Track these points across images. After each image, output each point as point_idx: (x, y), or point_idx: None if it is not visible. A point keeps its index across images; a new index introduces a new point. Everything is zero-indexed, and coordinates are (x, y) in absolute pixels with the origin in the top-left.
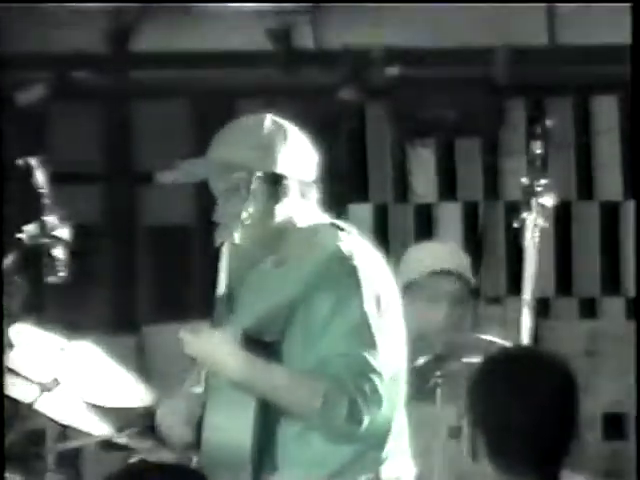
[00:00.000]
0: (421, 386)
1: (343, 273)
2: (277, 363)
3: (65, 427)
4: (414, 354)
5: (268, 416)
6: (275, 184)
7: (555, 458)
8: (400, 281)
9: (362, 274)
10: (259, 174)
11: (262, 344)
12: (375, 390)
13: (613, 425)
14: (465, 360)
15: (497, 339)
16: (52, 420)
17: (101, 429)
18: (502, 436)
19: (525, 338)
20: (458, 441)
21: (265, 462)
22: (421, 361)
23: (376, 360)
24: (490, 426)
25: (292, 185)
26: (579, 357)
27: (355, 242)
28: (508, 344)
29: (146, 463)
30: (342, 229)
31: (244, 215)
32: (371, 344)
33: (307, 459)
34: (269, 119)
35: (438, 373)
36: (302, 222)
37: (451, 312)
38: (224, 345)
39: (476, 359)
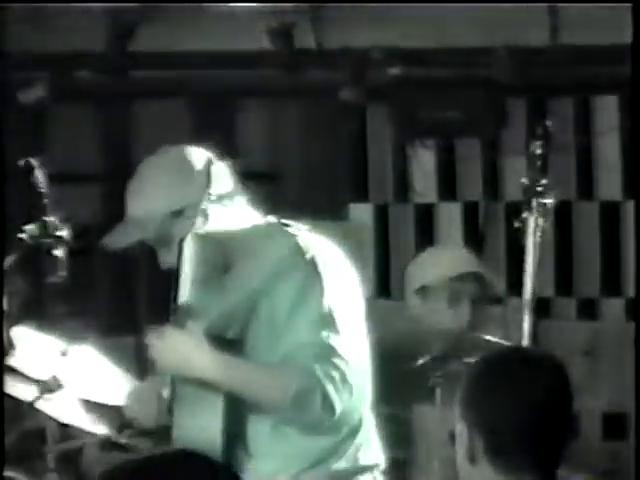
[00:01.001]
0: (421, 386)
1: (302, 265)
2: (243, 359)
3: (65, 427)
4: (409, 352)
5: (238, 412)
6: (196, 213)
7: (553, 457)
8: (412, 285)
9: (321, 265)
10: (176, 212)
11: (223, 342)
12: (344, 376)
13: (613, 425)
14: (465, 360)
15: (497, 339)
16: (52, 420)
17: (101, 429)
18: (500, 437)
19: (525, 338)
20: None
21: (238, 458)
22: (421, 361)
23: (342, 347)
24: (487, 427)
25: (210, 206)
26: (579, 357)
27: (308, 236)
28: (508, 344)
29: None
30: (291, 226)
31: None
32: (336, 331)
33: (282, 452)
34: (163, 157)
35: (438, 373)
36: (248, 223)
37: (474, 313)
38: (192, 345)
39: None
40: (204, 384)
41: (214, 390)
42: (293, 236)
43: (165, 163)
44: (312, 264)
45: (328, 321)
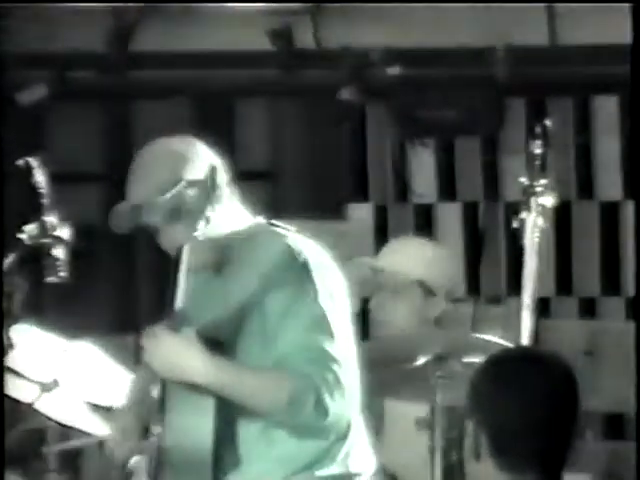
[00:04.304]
0: (421, 386)
1: (295, 268)
2: (236, 363)
3: (65, 427)
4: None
5: (228, 415)
6: (207, 190)
7: (558, 456)
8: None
9: (313, 267)
10: (191, 182)
11: (216, 345)
12: (338, 380)
13: (613, 425)
14: (465, 360)
15: (497, 339)
16: (52, 420)
17: (101, 429)
18: (505, 435)
19: (525, 338)
20: (424, 433)
21: (227, 461)
22: (421, 361)
23: (335, 350)
24: (493, 426)
25: (221, 188)
26: (579, 357)
27: (298, 238)
28: (508, 344)
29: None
30: (281, 227)
31: (194, 231)
32: (329, 334)
33: (272, 456)
34: (165, 139)
35: (438, 373)
36: (241, 224)
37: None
38: (185, 346)
39: (476, 359)
40: (201, 388)
41: (206, 391)
42: (284, 238)
43: (173, 141)
44: (305, 267)
45: (321, 324)
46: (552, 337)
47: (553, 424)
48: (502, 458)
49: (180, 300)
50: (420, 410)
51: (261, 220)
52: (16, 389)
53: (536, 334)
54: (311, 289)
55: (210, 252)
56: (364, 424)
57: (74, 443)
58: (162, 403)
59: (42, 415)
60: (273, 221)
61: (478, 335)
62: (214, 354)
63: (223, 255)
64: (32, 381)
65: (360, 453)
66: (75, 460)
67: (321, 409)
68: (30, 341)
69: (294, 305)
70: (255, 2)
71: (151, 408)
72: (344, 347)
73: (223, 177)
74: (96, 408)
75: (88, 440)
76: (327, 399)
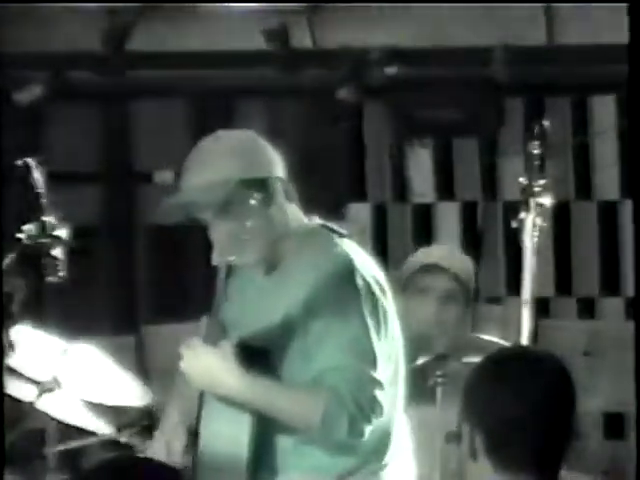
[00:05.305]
0: (421, 386)
1: (342, 281)
2: (274, 374)
3: (65, 427)
4: (411, 353)
5: (265, 426)
6: (262, 190)
7: (554, 457)
8: (400, 282)
9: (359, 280)
10: (245, 181)
11: (263, 353)
12: (374, 400)
13: (613, 425)
14: (465, 360)
15: (497, 339)
16: (53, 419)
17: (101, 428)
18: (501, 435)
19: (525, 338)
20: (455, 445)
21: (263, 471)
22: (421, 361)
23: (374, 370)
24: (489, 425)
25: (277, 188)
26: (578, 357)
27: (349, 246)
28: (508, 344)
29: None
30: (334, 231)
31: (243, 230)
32: (369, 353)
33: (307, 467)
34: (226, 132)
35: (438, 373)
36: (294, 226)
37: (441, 309)
38: (221, 362)
39: (476, 359)
40: (235, 403)
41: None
42: (335, 247)
43: (233, 134)
44: (352, 280)
45: (361, 343)
46: (551, 337)
47: (549, 423)
48: (496, 457)
49: (221, 309)
50: (449, 423)
51: (316, 221)
52: (17, 389)
53: (535, 334)
54: (355, 305)
55: (261, 253)
56: (407, 432)
57: (74, 443)
58: (200, 411)
59: (43, 415)
60: (327, 224)
61: (478, 335)
62: (256, 364)
63: (274, 257)
64: (32, 381)
65: (399, 464)
66: (75, 460)
67: (355, 430)
68: (30, 340)
69: (336, 321)
70: (252, 2)
71: (191, 415)
72: (387, 363)
73: (280, 176)
74: (96, 407)
75: (88, 440)
76: (361, 421)
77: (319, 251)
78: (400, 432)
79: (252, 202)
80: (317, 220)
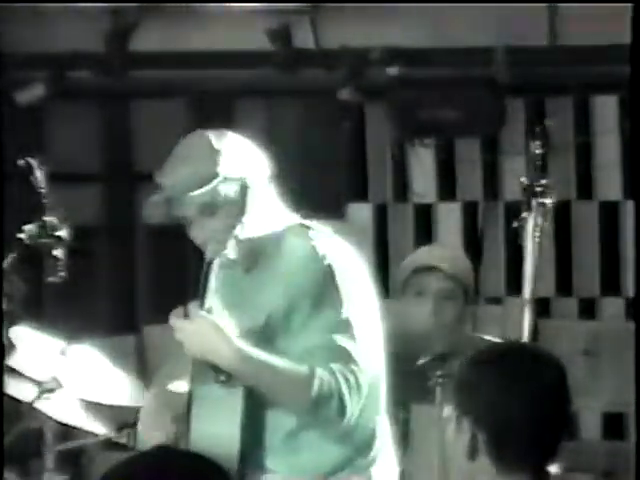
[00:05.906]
0: (421, 386)
1: (319, 274)
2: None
3: (65, 427)
4: (411, 353)
5: (255, 422)
6: (244, 188)
7: (549, 453)
8: (396, 283)
9: (338, 273)
10: (228, 179)
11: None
12: (357, 381)
13: (613, 425)
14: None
15: (497, 339)
16: (52, 420)
17: (101, 429)
18: (499, 433)
19: (525, 338)
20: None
21: (253, 467)
22: (421, 361)
23: (357, 353)
24: (493, 425)
25: (259, 187)
26: (578, 357)
27: (327, 241)
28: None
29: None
30: (312, 229)
31: (224, 228)
32: (351, 337)
33: (296, 463)
34: (207, 131)
35: (438, 373)
36: (273, 224)
37: (439, 309)
38: (217, 330)
39: None
40: (223, 392)
41: (234, 398)
42: (310, 241)
43: (213, 134)
44: (329, 273)
45: (343, 327)
46: (552, 337)
47: (546, 419)
48: (497, 455)
49: (208, 295)
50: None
51: (295, 220)
52: (16, 389)
53: (536, 334)
54: (334, 293)
55: (241, 251)
56: (390, 432)
57: (74, 443)
58: (189, 410)
59: (42, 415)
60: (306, 221)
61: (478, 335)
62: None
63: (252, 256)
64: (32, 381)
65: (385, 462)
66: (75, 460)
67: (341, 407)
68: (30, 341)
69: (316, 309)
70: (254, 2)
71: (178, 407)
72: (368, 352)
73: (262, 174)
74: (95, 407)
75: (88, 440)
76: (346, 398)
77: (293, 246)
78: (383, 431)
79: (233, 200)
80: (298, 219)
